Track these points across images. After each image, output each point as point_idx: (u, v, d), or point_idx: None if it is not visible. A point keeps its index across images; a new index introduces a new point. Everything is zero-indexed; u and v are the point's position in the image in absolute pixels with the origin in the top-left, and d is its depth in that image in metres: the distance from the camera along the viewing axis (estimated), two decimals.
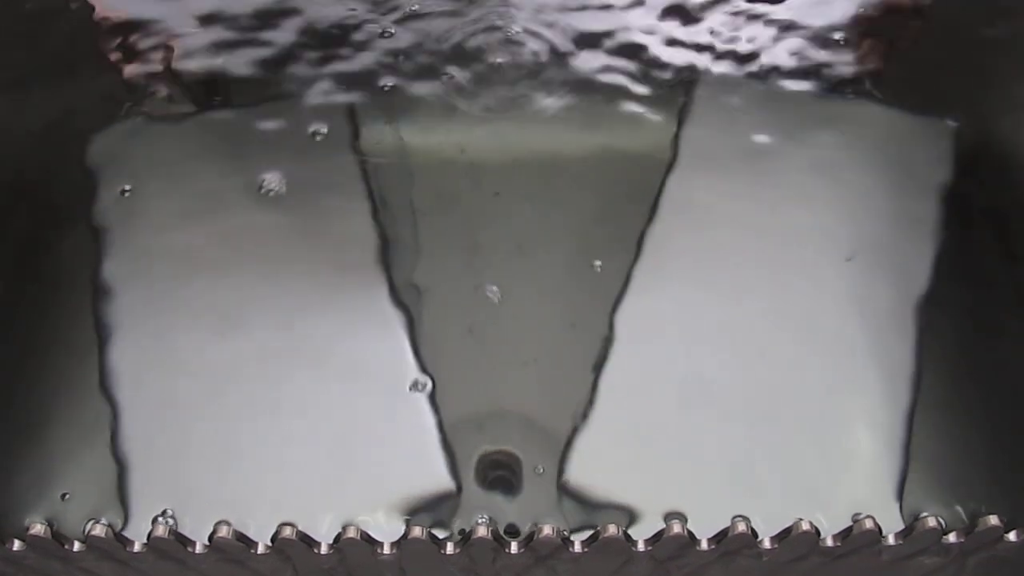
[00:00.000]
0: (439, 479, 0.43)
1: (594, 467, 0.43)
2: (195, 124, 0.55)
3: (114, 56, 0.59)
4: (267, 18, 0.60)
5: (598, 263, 0.50)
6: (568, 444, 0.44)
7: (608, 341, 0.47)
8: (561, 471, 0.43)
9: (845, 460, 0.43)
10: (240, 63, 0.58)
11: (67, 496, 0.42)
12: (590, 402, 0.45)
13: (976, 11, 0.61)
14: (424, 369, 0.46)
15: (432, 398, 0.45)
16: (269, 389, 0.45)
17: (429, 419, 0.44)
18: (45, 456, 0.43)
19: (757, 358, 0.46)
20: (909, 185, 0.53)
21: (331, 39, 0.59)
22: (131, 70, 0.58)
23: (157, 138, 0.55)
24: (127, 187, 0.52)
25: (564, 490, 0.43)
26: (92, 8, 0.60)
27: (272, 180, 0.52)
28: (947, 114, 0.55)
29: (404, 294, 0.48)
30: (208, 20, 0.60)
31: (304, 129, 0.55)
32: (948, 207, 0.51)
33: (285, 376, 0.45)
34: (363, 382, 0.45)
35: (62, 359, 0.47)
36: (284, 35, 0.59)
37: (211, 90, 0.57)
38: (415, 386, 0.45)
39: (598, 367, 0.46)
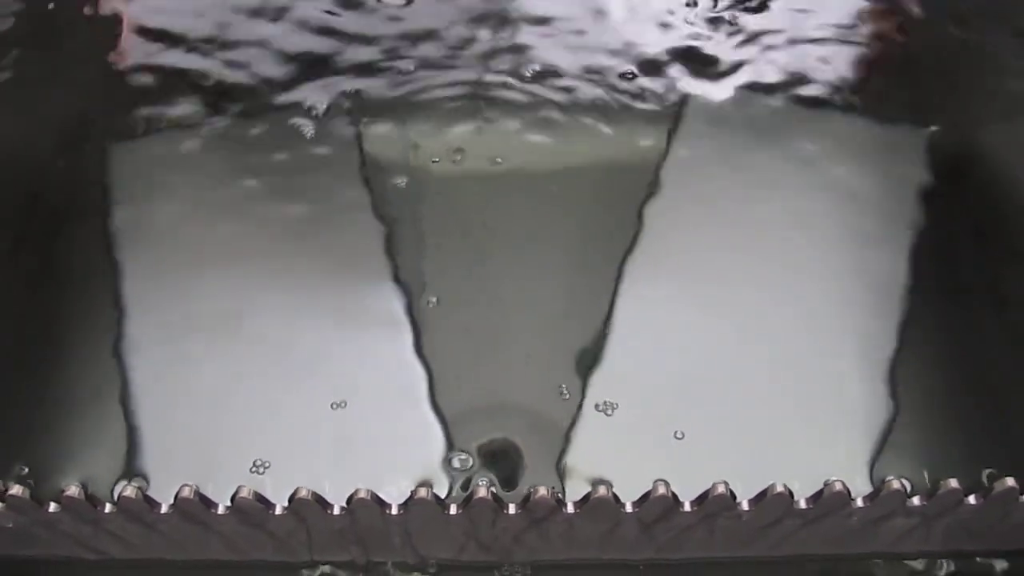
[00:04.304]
0: (440, 465, 0.45)
1: (591, 453, 0.45)
2: (206, 132, 0.58)
3: (129, 64, 0.62)
4: (275, 28, 0.63)
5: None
6: (567, 433, 0.46)
7: (605, 333, 0.49)
8: (560, 459, 0.45)
9: (827, 440, 0.45)
10: (249, 73, 0.61)
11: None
12: (587, 392, 0.47)
13: (955, 24, 0.64)
14: (426, 361, 0.48)
15: (432, 383, 0.47)
16: (276, 386, 0.47)
17: (430, 410, 0.47)
18: (72, 432, 0.46)
19: (746, 347, 0.49)
20: (891, 188, 0.55)
21: (337, 48, 0.62)
22: (145, 79, 0.61)
23: (171, 145, 0.57)
24: (140, 192, 0.55)
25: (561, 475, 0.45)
26: (109, 18, 0.64)
27: (280, 183, 0.55)
28: (927, 122, 0.58)
29: (407, 290, 0.51)
30: (219, 31, 0.63)
31: (311, 134, 0.58)
32: (929, 209, 0.54)
33: (292, 372, 0.48)
34: (366, 374, 0.48)
35: (83, 347, 0.49)
36: (292, 44, 0.62)
37: (223, 99, 0.60)
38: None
39: (595, 358, 0.48)
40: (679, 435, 0.45)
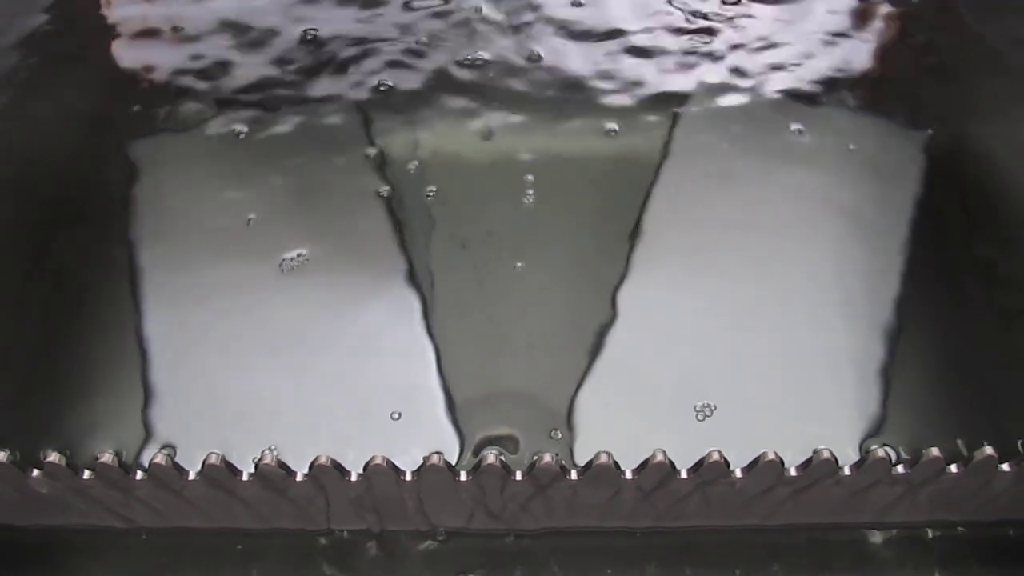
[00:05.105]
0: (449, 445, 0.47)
1: (591, 440, 0.47)
2: (222, 129, 0.61)
3: (144, 67, 0.65)
4: (288, 31, 0.66)
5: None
6: (568, 421, 0.48)
7: (607, 325, 0.51)
8: (562, 439, 0.47)
9: (822, 418, 0.48)
10: (264, 74, 0.64)
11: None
12: (588, 381, 0.49)
13: (948, 28, 0.67)
14: (436, 349, 0.50)
15: (441, 373, 0.49)
16: (297, 364, 0.50)
17: (440, 394, 0.49)
18: (104, 413, 0.48)
19: (743, 336, 0.51)
20: (887, 184, 0.58)
21: (346, 44, 0.65)
22: (160, 81, 0.64)
23: (187, 142, 0.60)
24: (158, 188, 0.58)
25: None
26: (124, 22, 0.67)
27: (293, 180, 0.58)
28: (922, 122, 0.61)
29: (418, 280, 0.53)
30: (230, 31, 0.66)
31: (322, 127, 0.61)
32: (922, 202, 0.57)
33: (310, 352, 0.50)
34: (377, 359, 0.50)
35: (108, 335, 0.51)
36: (302, 44, 0.65)
37: (237, 100, 0.63)
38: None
39: (597, 349, 0.50)
40: (684, 415, 0.48)
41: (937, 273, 0.54)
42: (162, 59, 0.65)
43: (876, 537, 0.44)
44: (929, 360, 0.50)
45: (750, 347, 0.50)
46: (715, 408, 0.47)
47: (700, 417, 0.47)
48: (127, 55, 0.66)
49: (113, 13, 0.69)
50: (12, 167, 0.59)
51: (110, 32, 0.67)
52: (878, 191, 0.58)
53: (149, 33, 0.67)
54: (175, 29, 0.67)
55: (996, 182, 0.58)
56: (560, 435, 0.47)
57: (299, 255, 0.54)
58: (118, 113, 0.62)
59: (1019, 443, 0.42)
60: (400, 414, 0.48)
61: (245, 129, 0.61)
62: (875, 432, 0.46)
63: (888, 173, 0.59)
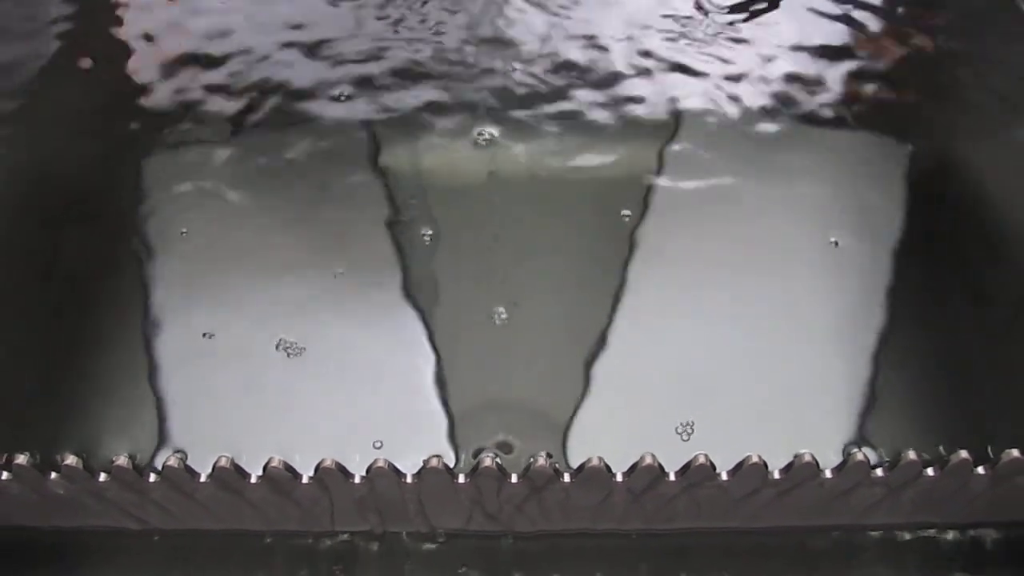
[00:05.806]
0: (449, 450, 0.49)
1: (588, 448, 0.49)
2: (230, 148, 0.63)
3: (159, 82, 0.67)
4: (294, 46, 0.69)
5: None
6: (566, 429, 0.49)
7: (605, 339, 0.53)
8: (562, 445, 0.49)
9: (810, 427, 0.49)
10: (274, 90, 0.66)
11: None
12: (587, 393, 0.51)
13: (933, 49, 0.69)
14: (439, 362, 0.52)
15: (444, 385, 0.51)
16: (303, 372, 0.52)
17: (441, 403, 0.50)
18: (120, 418, 0.50)
19: (737, 350, 0.52)
20: (872, 198, 0.60)
21: (352, 65, 0.67)
22: (174, 97, 0.66)
23: (197, 160, 0.62)
24: (168, 198, 0.60)
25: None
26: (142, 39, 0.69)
27: (301, 192, 0.60)
28: (907, 139, 0.63)
29: (420, 297, 0.55)
30: (239, 50, 0.69)
31: (328, 147, 0.63)
32: (908, 217, 0.59)
33: (316, 361, 0.52)
34: (380, 369, 0.52)
35: (122, 344, 0.53)
36: (308, 64, 0.68)
37: (249, 114, 0.65)
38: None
39: (594, 362, 0.52)
40: (679, 427, 0.49)
41: (921, 288, 0.55)
42: (171, 74, 0.67)
43: (860, 539, 0.46)
44: (914, 372, 0.51)
45: (739, 366, 0.52)
46: (693, 425, 0.49)
47: (684, 437, 0.49)
48: (137, 70, 0.68)
49: (125, 29, 0.71)
50: (24, 178, 0.61)
51: (121, 47, 0.70)
52: (865, 206, 0.59)
53: (160, 49, 0.69)
54: (185, 47, 0.69)
55: (982, 198, 0.60)
56: (556, 445, 0.48)
57: (308, 267, 0.56)
58: (127, 126, 0.64)
59: (989, 448, 0.44)
60: (401, 420, 0.50)
61: (257, 147, 0.63)
62: (862, 437, 0.48)
63: (875, 189, 0.61)
